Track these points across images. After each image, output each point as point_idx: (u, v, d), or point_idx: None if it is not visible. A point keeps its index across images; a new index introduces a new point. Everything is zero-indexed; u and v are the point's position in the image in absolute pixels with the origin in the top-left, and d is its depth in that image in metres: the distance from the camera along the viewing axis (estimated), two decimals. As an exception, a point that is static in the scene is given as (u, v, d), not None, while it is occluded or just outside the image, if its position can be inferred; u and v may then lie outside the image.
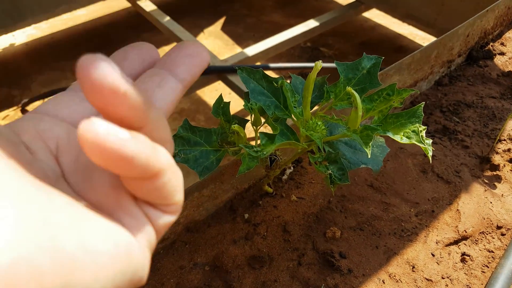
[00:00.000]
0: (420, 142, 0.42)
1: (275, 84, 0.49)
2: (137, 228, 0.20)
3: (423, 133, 0.42)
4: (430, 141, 0.42)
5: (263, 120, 0.55)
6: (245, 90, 1.30)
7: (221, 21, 1.82)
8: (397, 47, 1.72)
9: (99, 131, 0.15)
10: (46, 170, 0.20)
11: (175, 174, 0.20)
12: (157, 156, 0.18)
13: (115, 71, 0.16)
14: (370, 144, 0.40)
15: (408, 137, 0.43)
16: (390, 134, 0.43)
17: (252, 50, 1.34)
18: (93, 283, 0.16)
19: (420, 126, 0.43)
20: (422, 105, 0.44)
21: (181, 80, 0.24)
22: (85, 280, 0.16)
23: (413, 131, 0.43)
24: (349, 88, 0.43)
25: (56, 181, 0.20)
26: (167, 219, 0.21)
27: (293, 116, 0.49)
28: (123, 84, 0.16)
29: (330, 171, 0.46)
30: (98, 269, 0.16)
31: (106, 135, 0.16)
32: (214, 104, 0.53)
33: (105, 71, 0.16)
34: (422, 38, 1.75)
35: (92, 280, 0.16)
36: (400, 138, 0.43)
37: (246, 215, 0.64)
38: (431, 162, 0.49)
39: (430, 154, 0.42)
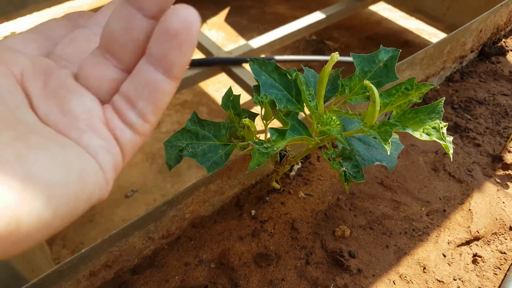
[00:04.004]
0: (441, 139, 0.40)
1: (289, 76, 0.47)
2: (104, 148, 0.21)
3: (444, 130, 0.41)
4: (451, 138, 0.41)
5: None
6: (248, 82, 1.27)
7: (224, 12, 1.80)
8: (403, 42, 1.70)
9: (195, 15, 0.20)
10: (5, 97, 0.21)
11: (190, 55, 0.22)
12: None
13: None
14: (389, 140, 0.38)
15: (428, 134, 0.41)
16: (409, 131, 0.41)
17: (257, 42, 1.32)
18: (44, 209, 0.17)
19: (440, 123, 0.41)
20: (443, 101, 0.43)
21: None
22: (36, 208, 0.17)
23: (434, 128, 0.41)
24: (366, 82, 0.41)
25: (16, 108, 0.21)
26: (135, 141, 0.23)
27: (306, 110, 0.47)
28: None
29: (344, 168, 0.45)
30: (48, 197, 0.17)
31: (197, 19, 0.20)
32: (223, 97, 0.51)
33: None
34: (429, 33, 1.73)
35: (43, 207, 0.17)
36: (419, 134, 0.41)
37: (253, 212, 0.62)
38: (451, 159, 0.47)
39: (451, 152, 0.40)
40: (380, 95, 0.45)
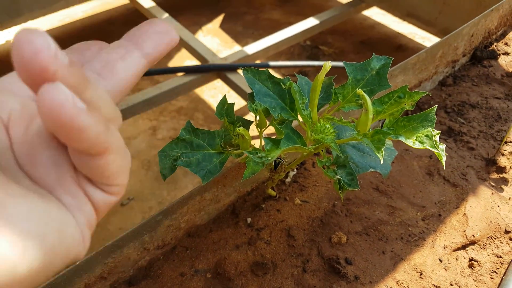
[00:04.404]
0: (434, 147, 0.40)
1: (282, 85, 0.47)
2: (75, 206, 0.20)
3: (437, 138, 0.41)
4: (443, 146, 0.41)
5: (267, 122, 0.53)
6: (244, 88, 1.27)
7: (219, 19, 1.80)
8: (396, 46, 1.71)
9: (59, 96, 0.16)
10: None
11: (122, 156, 0.20)
12: (107, 134, 0.18)
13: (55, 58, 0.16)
14: (382, 149, 0.39)
15: (421, 142, 0.41)
16: (402, 139, 0.41)
17: (252, 48, 1.32)
18: (19, 262, 0.16)
19: (433, 130, 0.41)
20: (435, 109, 0.43)
21: (146, 54, 0.24)
22: (11, 260, 0.16)
23: (426, 136, 0.41)
24: (359, 91, 0.41)
25: (0, 154, 0.20)
26: (108, 200, 0.22)
27: (300, 118, 0.47)
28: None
29: (338, 176, 0.45)
30: (24, 248, 0.17)
31: (65, 101, 0.16)
32: (218, 106, 0.51)
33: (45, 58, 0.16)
34: (422, 37, 1.74)
35: (18, 260, 0.16)
36: (412, 142, 0.41)
37: (249, 219, 0.62)
38: (444, 168, 0.47)
39: (444, 160, 0.40)
40: (373, 103, 0.45)
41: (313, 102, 0.46)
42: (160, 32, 0.24)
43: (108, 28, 1.74)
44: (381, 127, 0.45)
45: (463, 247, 0.61)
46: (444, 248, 0.60)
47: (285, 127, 0.44)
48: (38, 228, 0.17)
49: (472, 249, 0.60)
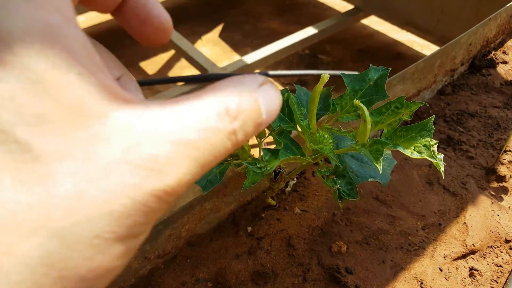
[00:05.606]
0: (432, 157, 0.41)
1: (281, 97, 0.48)
2: None
3: (435, 148, 0.41)
4: (441, 156, 0.41)
5: (267, 132, 0.54)
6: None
7: (218, 28, 1.82)
8: (395, 54, 1.72)
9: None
10: None
11: None
12: None
13: None
14: (380, 159, 0.39)
15: (419, 152, 0.41)
16: (400, 149, 0.42)
17: (251, 57, 1.33)
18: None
19: (431, 140, 0.41)
20: (433, 119, 0.43)
21: None
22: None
23: (424, 146, 0.41)
24: (357, 102, 0.42)
25: None
26: None
27: (299, 128, 0.48)
28: None
29: (338, 186, 0.45)
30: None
31: None
32: (217, 116, 0.51)
33: None
34: (420, 45, 1.75)
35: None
36: (410, 152, 0.41)
37: (249, 229, 0.62)
38: (443, 177, 0.48)
39: (442, 169, 0.40)
40: (371, 113, 0.46)
41: (312, 112, 0.46)
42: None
43: (108, 39, 1.75)
44: (380, 137, 0.45)
45: (463, 256, 0.61)
46: (444, 257, 0.60)
47: (284, 138, 0.45)
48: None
49: (472, 258, 0.61)
